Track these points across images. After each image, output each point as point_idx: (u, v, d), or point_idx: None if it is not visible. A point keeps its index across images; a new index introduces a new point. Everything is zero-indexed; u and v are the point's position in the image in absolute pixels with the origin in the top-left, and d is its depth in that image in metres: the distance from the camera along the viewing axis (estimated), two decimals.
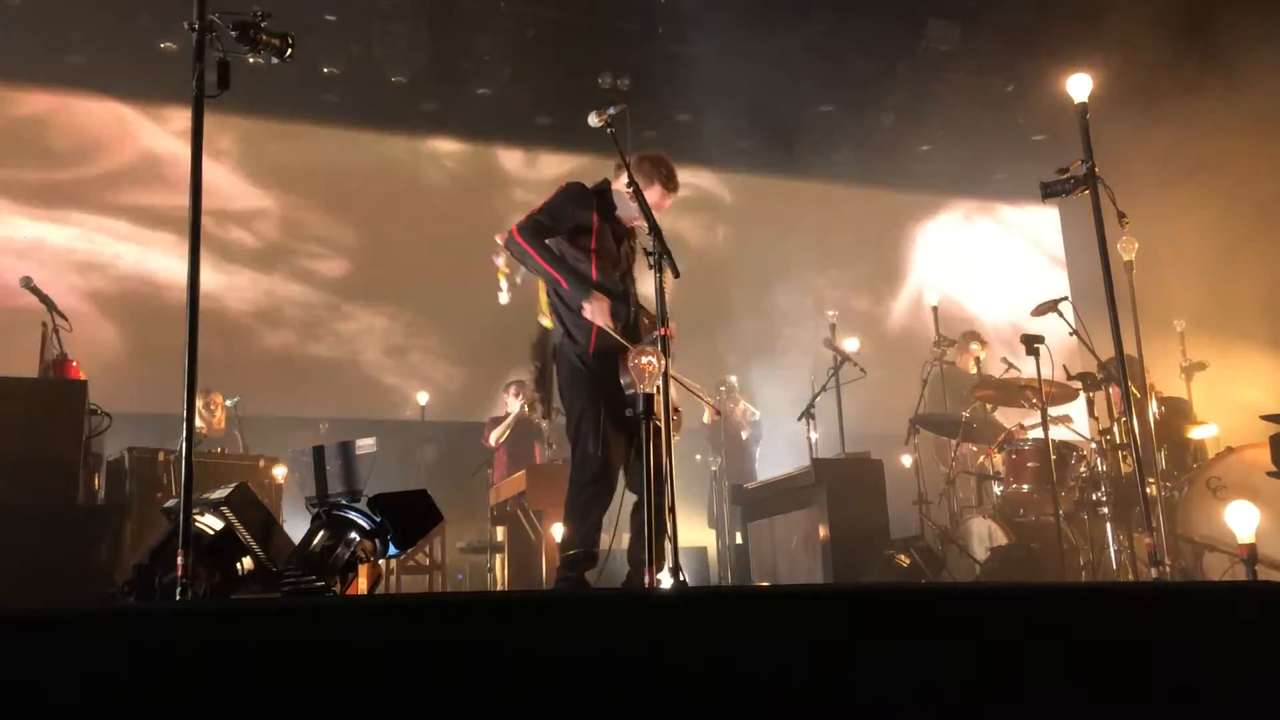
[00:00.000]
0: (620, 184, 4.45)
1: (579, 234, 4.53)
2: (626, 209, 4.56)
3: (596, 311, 4.40)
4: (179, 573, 2.74)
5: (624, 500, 4.46)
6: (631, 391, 4.20)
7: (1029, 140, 10.26)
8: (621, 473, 4.48)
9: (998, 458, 6.34)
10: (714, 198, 11.10)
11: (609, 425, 4.37)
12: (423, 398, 9.24)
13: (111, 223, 9.17)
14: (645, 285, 4.50)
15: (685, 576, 3.58)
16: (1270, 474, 4.83)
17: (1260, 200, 8.25)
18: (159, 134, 9.30)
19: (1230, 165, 8.33)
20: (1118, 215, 4.45)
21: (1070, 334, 5.94)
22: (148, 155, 9.29)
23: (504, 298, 4.71)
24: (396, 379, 9.78)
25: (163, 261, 9.06)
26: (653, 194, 4.48)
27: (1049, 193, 4.32)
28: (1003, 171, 11.29)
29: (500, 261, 4.63)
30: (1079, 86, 4.32)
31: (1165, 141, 8.15)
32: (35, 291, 5.71)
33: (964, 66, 9.54)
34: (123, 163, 9.30)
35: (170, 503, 3.97)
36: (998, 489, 6.29)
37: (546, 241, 4.48)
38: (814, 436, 6.79)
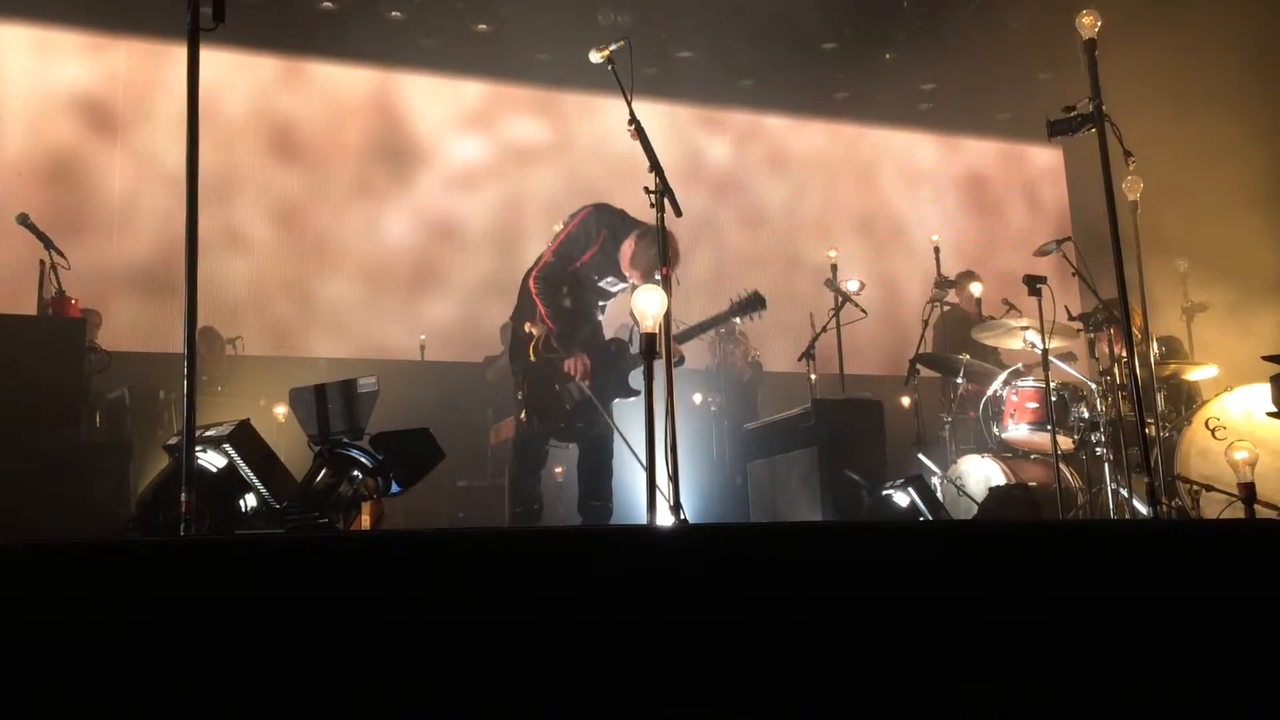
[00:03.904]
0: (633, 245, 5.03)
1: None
2: (625, 261, 5.06)
3: (574, 367, 4.94)
4: (183, 509, 2.75)
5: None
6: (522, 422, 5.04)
7: (1035, 78, 10.13)
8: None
9: (997, 398, 6.35)
10: (715, 136, 10.99)
11: (546, 403, 5.00)
12: (422, 337, 9.25)
13: (106, 158, 9.09)
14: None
15: (685, 514, 3.60)
16: (1270, 414, 4.84)
17: (1267, 141, 8.17)
18: (155, 69, 9.19)
19: (1237, 105, 8.25)
20: (1124, 154, 4.41)
21: (1072, 274, 5.92)
22: (143, 90, 9.18)
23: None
24: (396, 318, 9.76)
25: (160, 199, 9.00)
26: (633, 272, 5.04)
27: (1055, 131, 4.27)
28: (1007, 110, 11.17)
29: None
30: (1087, 23, 4.26)
31: (1173, 79, 8.05)
32: (32, 228, 5.65)
33: (969, 3, 9.40)
34: (116, 98, 9.20)
35: (173, 440, 3.98)
36: (997, 429, 6.31)
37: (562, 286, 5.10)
38: (814, 378, 6.79)
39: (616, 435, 5.07)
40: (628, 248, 5.07)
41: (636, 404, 4.97)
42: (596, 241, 5.11)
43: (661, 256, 3.94)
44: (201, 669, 1.88)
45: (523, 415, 5.03)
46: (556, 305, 5.07)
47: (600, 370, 5.05)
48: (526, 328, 5.10)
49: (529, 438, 5.12)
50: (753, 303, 5.18)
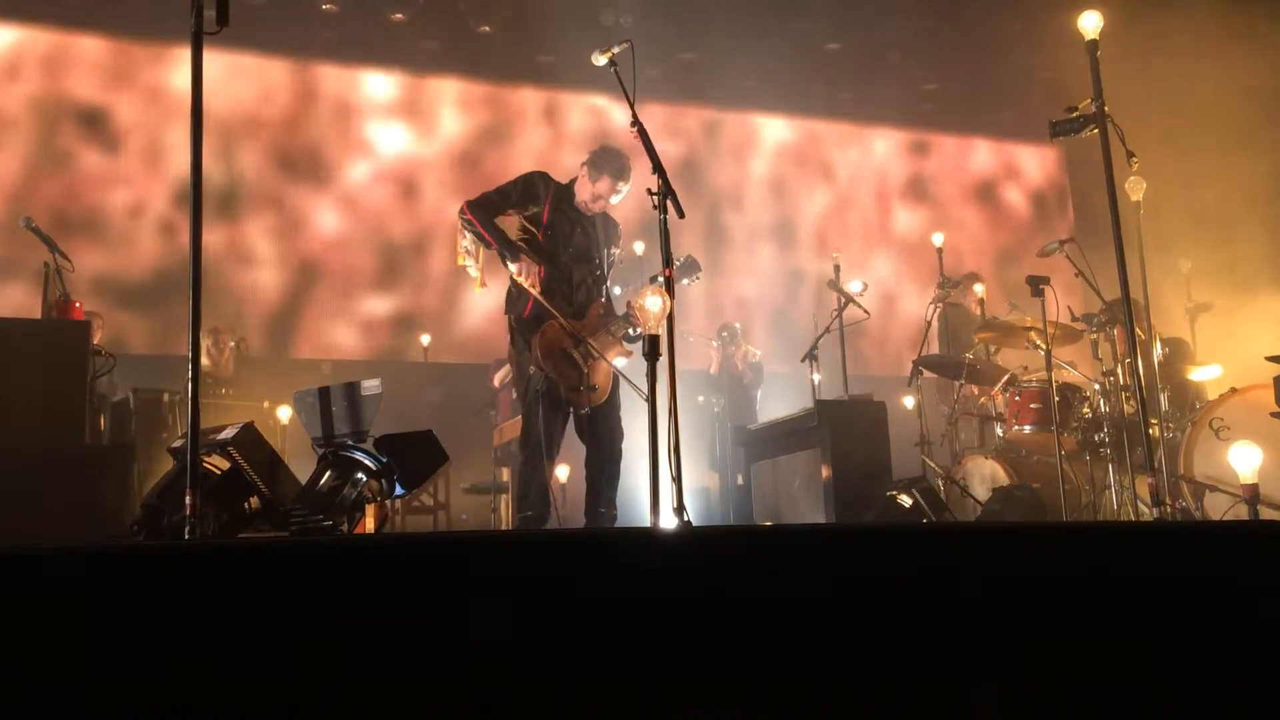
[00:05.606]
0: (586, 182, 4.96)
1: (532, 217, 4.98)
2: (585, 194, 5.00)
3: (522, 271, 4.79)
4: (187, 512, 2.76)
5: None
6: (535, 370, 4.76)
7: (1037, 79, 10.14)
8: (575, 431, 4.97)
9: (1000, 399, 6.36)
10: (717, 137, 11.00)
11: (545, 394, 4.78)
12: (425, 339, 9.25)
13: (109, 162, 9.10)
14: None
15: (689, 516, 3.60)
16: (1273, 415, 4.83)
17: (1271, 140, 8.17)
18: (158, 72, 9.21)
19: (1239, 105, 8.25)
20: (1126, 155, 4.40)
21: (1075, 275, 5.92)
22: (148, 93, 9.20)
23: (473, 271, 5.01)
24: (398, 320, 9.77)
25: (164, 202, 9.02)
26: (601, 185, 4.96)
27: (1057, 132, 4.28)
28: (1010, 110, 11.18)
29: (464, 242, 4.97)
30: (1089, 23, 4.26)
31: (1175, 80, 8.05)
32: (36, 232, 5.67)
33: (972, 3, 9.40)
34: (123, 100, 9.21)
35: (177, 443, 3.99)
36: (1000, 430, 6.31)
37: (496, 219, 4.93)
38: (817, 379, 6.79)
39: (622, 428, 5.05)
40: (580, 182, 5.02)
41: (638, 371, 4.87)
42: (547, 199, 4.99)
43: (665, 258, 3.93)
44: (205, 673, 1.88)
45: (540, 386, 4.80)
46: (493, 226, 4.89)
47: (595, 330, 4.92)
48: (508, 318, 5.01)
49: (548, 412, 4.83)
50: (688, 267, 5.12)
